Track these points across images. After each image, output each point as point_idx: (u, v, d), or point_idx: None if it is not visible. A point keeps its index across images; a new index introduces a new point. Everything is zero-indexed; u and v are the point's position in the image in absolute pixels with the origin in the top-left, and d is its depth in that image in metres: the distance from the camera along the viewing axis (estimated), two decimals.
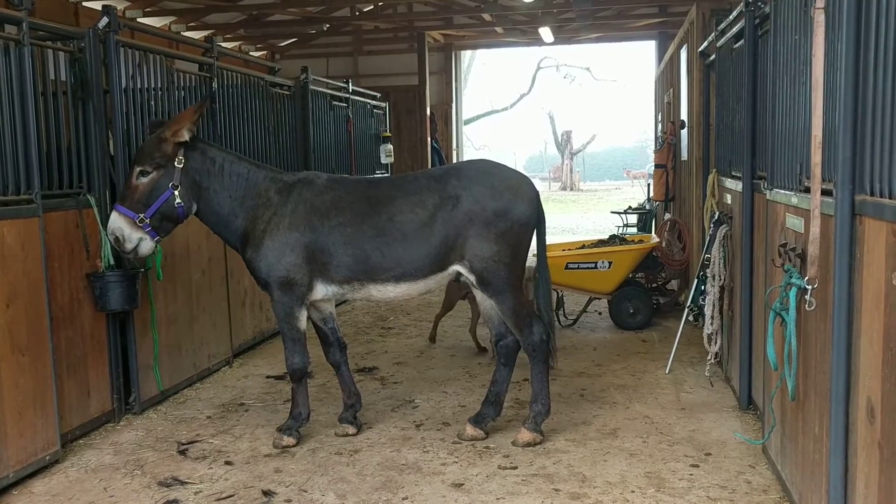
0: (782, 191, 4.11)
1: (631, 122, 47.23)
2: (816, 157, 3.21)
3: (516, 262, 4.93)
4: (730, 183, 5.98)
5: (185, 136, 4.83)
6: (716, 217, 6.22)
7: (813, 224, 3.24)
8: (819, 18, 3.18)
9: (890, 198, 2.67)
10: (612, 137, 50.84)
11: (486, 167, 5.08)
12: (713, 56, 6.87)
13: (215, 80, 6.94)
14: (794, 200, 3.81)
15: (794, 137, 3.89)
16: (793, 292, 3.54)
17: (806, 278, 3.34)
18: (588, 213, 25.75)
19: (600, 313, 8.94)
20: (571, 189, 38.82)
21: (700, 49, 7.45)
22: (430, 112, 16.15)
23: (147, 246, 4.91)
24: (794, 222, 3.80)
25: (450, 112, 17.14)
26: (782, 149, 4.14)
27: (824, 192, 3.24)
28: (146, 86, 5.97)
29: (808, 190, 3.61)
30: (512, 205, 4.85)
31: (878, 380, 2.76)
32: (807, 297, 3.35)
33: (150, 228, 4.86)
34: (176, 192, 4.87)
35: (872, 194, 2.84)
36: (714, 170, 6.71)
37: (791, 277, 3.57)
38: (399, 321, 9.04)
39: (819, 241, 3.26)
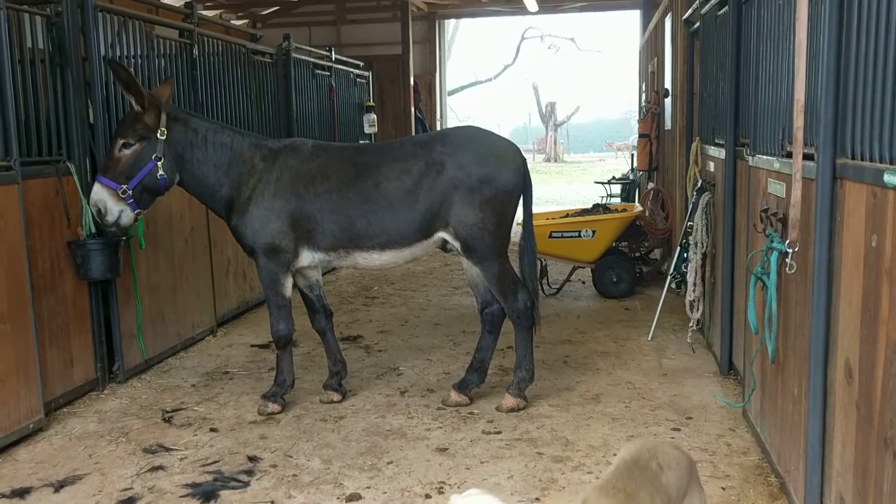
0: (764, 156, 4.13)
1: (615, 93, 47.07)
2: (798, 121, 3.23)
3: (501, 230, 4.93)
4: (713, 150, 5.99)
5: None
6: (698, 185, 6.24)
7: (794, 188, 3.26)
8: None
9: (871, 161, 2.69)
10: (597, 109, 50.70)
11: (472, 133, 5.06)
12: (697, 24, 6.86)
13: (196, 46, 6.84)
14: (776, 165, 3.83)
15: (776, 103, 3.90)
16: (774, 256, 3.57)
17: (787, 241, 3.37)
18: (572, 183, 25.76)
19: (583, 282, 8.98)
20: (555, 161, 38.76)
21: (684, 17, 7.43)
22: (414, 82, 16.03)
23: (128, 217, 4.91)
24: (776, 187, 3.82)
25: (433, 82, 17.01)
26: (765, 115, 4.15)
27: (806, 157, 3.26)
28: (126, 53, 5.88)
29: (790, 155, 3.63)
30: (497, 172, 4.85)
31: (857, 340, 2.80)
32: (787, 260, 3.38)
33: (132, 200, 4.85)
34: (159, 164, 4.85)
35: (853, 157, 2.86)
36: (697, 138, 6.73)
37: (772, 242, 3.60)
38: (383, 291, 9.05)
39: (800, 205, 3.29)
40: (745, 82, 4.87)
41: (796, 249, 3.36)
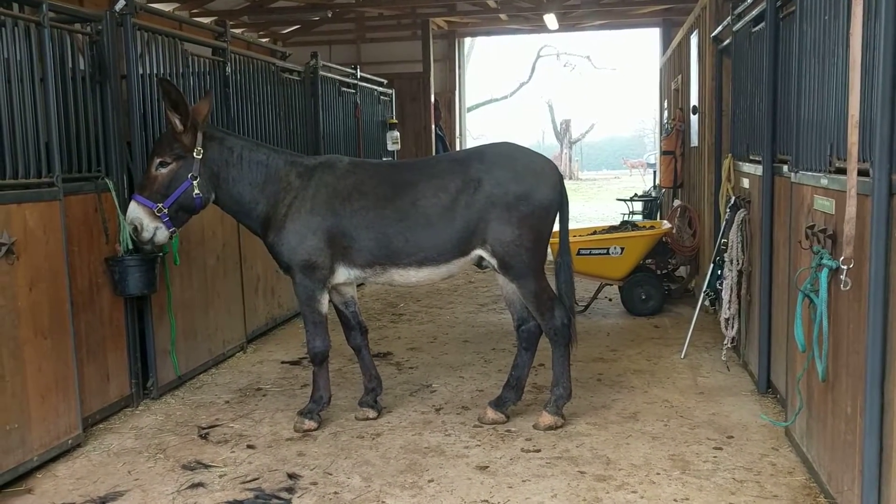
0: (810, 172, 4.10)
1: (630, 111, 47.12)
2: (853, 137, 3.20)
3: (538, 247, 4.91)
4: (747, 167, 5.96)
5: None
6: (732, 202, 6.21)
7: (849, 204, 3.23)
8: None
9: None
10: (611, 127, 50.76)
11: (509, 150, 5.06)
12: (727, 41, 6.85)
13: (229, 64, 6.90)
14: (824, 182, 3.80)
15: (823, 119, 3.88)
16: (824, 273, 3.54)
17: (841, 258, 3.33)
18: (590, 201, 25.73)
19: (610, 300, 8.93)
20: (570, 178, 38.74)
21: (713, 34, 7.42)
22: (434, 99, 16.10)
23: (162, 235, 4.94)
24: (824, 203, 3.79)
25: (453, 99, 17.10)
26: (809, 131, 4.13)
27: (859, 173, 3.24)
28: (161, 71, 5.93)
29: (838, 171, 3.61)
30: (534, 188, 4.84)
31: None
32: (841, 276, 3.34)
33: (168, 219, 4.87)
34: (195, 183, 4.87)
35: None
36: (729, 154, 6.70)
37: (822, 259, 3.57)
38: (410, 308, 9.04)
39: (854, 222, 3.25)
40: (784, 98, 4.85)
41: (851, 266, 3.32)
